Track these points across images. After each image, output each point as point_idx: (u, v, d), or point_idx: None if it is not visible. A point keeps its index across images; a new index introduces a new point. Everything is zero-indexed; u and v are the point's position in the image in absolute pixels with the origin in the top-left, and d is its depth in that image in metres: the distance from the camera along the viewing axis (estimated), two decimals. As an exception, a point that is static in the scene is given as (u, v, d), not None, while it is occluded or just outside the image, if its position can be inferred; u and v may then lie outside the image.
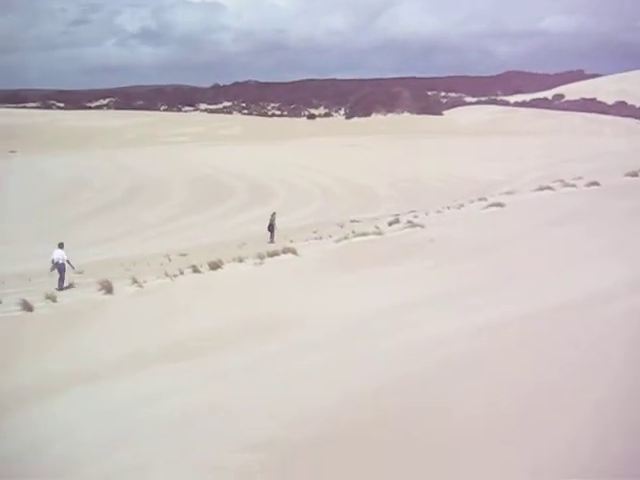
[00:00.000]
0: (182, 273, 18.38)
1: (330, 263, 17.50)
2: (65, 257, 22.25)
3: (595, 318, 7.71)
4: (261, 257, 19.12)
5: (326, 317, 10.99)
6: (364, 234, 21.58)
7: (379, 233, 21.49)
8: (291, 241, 27.23)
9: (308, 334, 10.08)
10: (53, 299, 16.19)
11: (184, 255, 28.07)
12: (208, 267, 18.67)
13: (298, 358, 8.77)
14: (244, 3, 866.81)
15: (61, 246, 22.96)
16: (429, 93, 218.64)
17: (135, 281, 17.38)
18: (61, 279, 21.94)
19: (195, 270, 18.48)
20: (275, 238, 32.48)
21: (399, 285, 12.71)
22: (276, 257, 19.15)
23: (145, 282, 17.47)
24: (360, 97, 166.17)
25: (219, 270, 18.44)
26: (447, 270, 13.74)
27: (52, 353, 11.53)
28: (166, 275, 18.31)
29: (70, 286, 21.68)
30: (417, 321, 9.43)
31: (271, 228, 33.40)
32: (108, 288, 16.71)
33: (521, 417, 5.50)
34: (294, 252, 19.47)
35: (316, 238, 26.24)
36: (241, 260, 19.44)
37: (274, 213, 34.80)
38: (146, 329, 12.70)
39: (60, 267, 22.19)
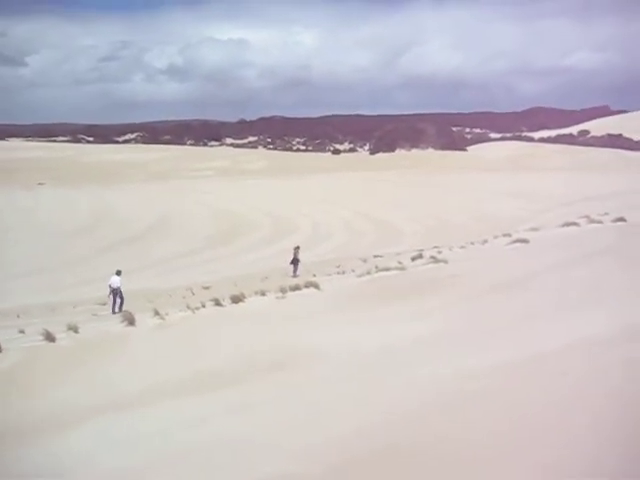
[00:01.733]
0: (204, 306, 18.39)
1: (352, 298, 17.37)
2: (120, 283, 24.53)
3: (607, 359, 7.54)
4: (283, 291, 19.08)
5: (346, 351, 10.90)
6: (387, 269, 21.47)
7: (402, 268, 21.35)
8: (314, 275, 27.23)
9: (328, 367, 9.99)
10: (75, 330, 16.21)
11: (207, 288, 28.13)
12: (230, 300, 18.68)
13: (317, 390, 8.68)
14: (269, 40, 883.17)
15: (118, 273, 25.29)
16: (454, 129, 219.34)
17: (157, 313, 17.41)
18: (115, 303, 24.14)
19: (217, 303, 18.47)
20: (299, 272, 32.35)
21: (420, 320, 12.57)
22: (298, 291, 19.11)
23: (167, 315, 17.50)
24: (384, 133, 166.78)
25: (241, 303, 18.42)
26: (468, 307, 13.58)
27: (71, 384, 11.53)
28: (188, 308, 18.36)
29: (124, 311, 22.50)
30: (437, 356, 9.31)
31: (295, 262, 33.29)
32: (130, 320, 16.72)
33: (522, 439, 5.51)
34: (316, 286, 19.42)
35: (339, 273, 26.17)
36: (263, 294, 19.44)
37: (297, 247, 34.70)
38: (167, 361, 12.68)
39: (116, 292, 24.32)
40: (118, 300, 24.39)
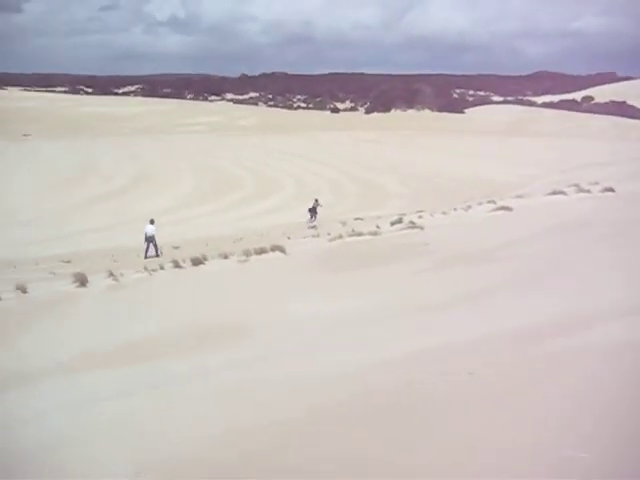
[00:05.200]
0: (162, 268, 17.84)
1: (315, 263, 16.81)
2: (154, 231, 27.07)
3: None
4: (247, 254, 18.49)
5: (293, 320, 10.42)
6: (359, 234, 20.86)
7: (375, 234, 20.76)
8: (288, 238, 26.57)
9: (270, 339, 9.40)
10: (23, 290, 15.57)
11: (176, 248, 27.54)
12: (190, 262, 18.06)
13: (248, 367, 7.91)
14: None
15: (152, 222, 27.73)
16: (457, 91, 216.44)
17: (111, 274, 16.77)
18: (148, 249, 26.63)
19: (176, 265, 17.86)
20: (315, 222, 34.94)
21: (370, 293, 11.86)
22: (263, 255, 18.57)
23: (122, 275, 16.88)
24: (380, 92, 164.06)
25: (201, 266, 17.84)
26: (432, 277, 12.85)
27: (7, 346, 11.06)
28: (145, 269, 17.78)
29: (155, 256, 25.97)
30: (394, 333, 8.46)
31: (312, 211, 36.28)
32: (82, 280, 16.10)
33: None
34: (282, 250, 18.97)
35: (314, 236, 25.58)
36: (226, 257, 18.87)
37: (316, 199, 37.93)
38: (108, 327, 12.08)
39: (150, 240, 26.81)
40: (152, 247, 26.80)
